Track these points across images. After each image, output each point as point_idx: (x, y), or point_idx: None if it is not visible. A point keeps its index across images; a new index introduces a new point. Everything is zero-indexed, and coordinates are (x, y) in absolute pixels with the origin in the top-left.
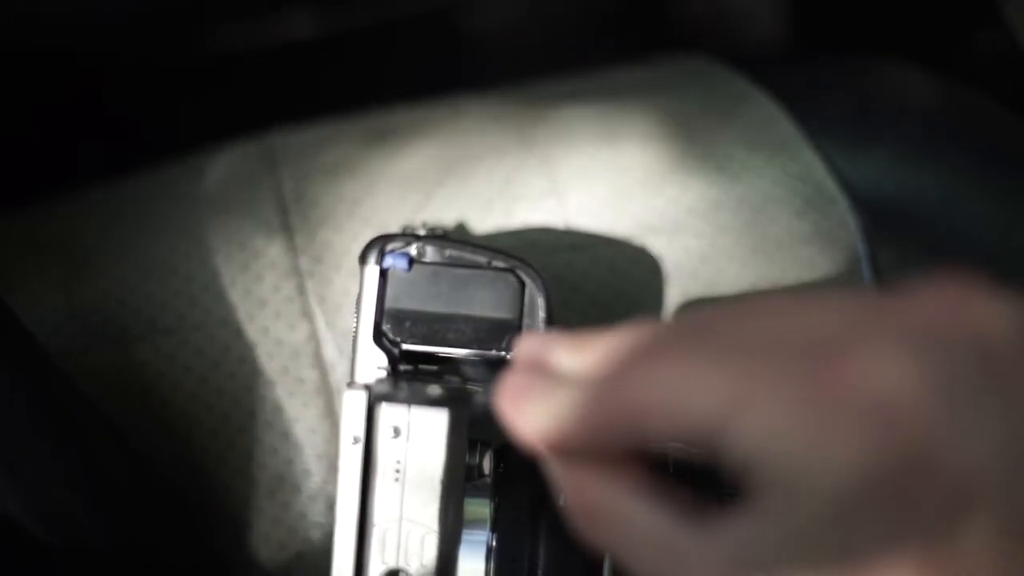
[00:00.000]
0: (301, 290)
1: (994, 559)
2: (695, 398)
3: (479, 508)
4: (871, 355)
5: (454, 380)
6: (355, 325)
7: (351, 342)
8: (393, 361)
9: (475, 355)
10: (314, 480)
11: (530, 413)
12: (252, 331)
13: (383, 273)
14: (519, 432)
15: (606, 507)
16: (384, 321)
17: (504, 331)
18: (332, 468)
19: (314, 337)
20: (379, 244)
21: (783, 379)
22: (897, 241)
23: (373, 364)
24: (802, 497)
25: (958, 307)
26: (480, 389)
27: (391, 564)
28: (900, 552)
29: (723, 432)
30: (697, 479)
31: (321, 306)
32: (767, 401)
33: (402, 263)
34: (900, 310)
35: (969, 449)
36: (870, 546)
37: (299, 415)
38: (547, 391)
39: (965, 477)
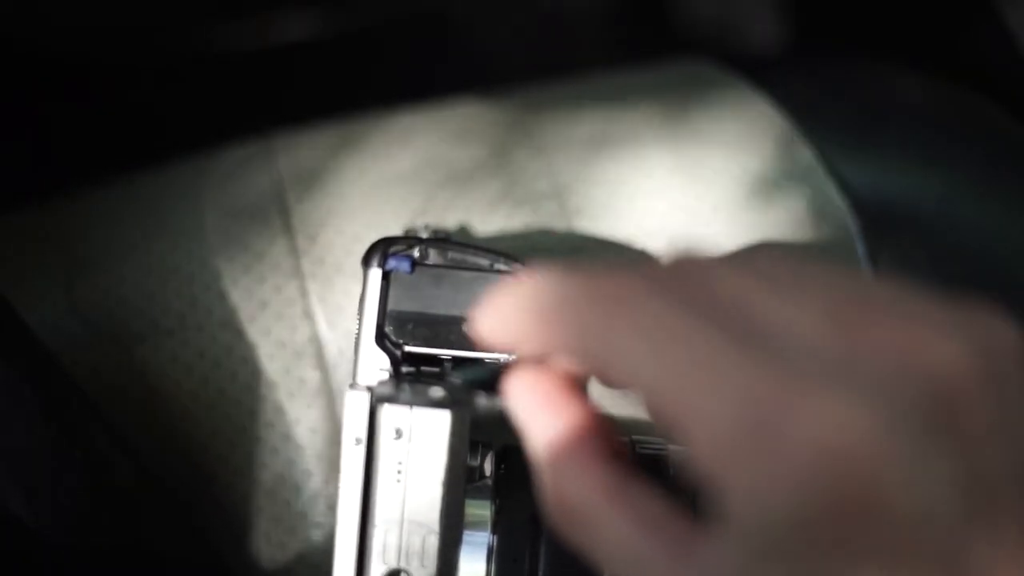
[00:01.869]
0: (303, 291)
1: None
2: (646, 371)
3: (480, 509)
4: (821, 396)
5: (456, 382)
6: (357, 327)
7: (353, 344)
8: (395, 363)
9: (477, 357)
10: (315, 480)
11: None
12: (254, 332)
13: (386, 275)
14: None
15: (582, 509)
16: (386, 323)
17: None
18: (333, 469)
19: (316, 338)
20: (382, 247)
21: (736, 388)
22: (897, 243)
23: (375, 366)
24: (749, 529)
25: (916, 344)
26: (482, 391)
27: (392, 565)
28: None
29: (676, 420)
30: (671, 480)
31: (323, 307)
32: (716, 413)
33: (405, 266)
34: (864, 336)
35: (916, 491)
36: None
37: (300, 416)
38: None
39: (911, 520)
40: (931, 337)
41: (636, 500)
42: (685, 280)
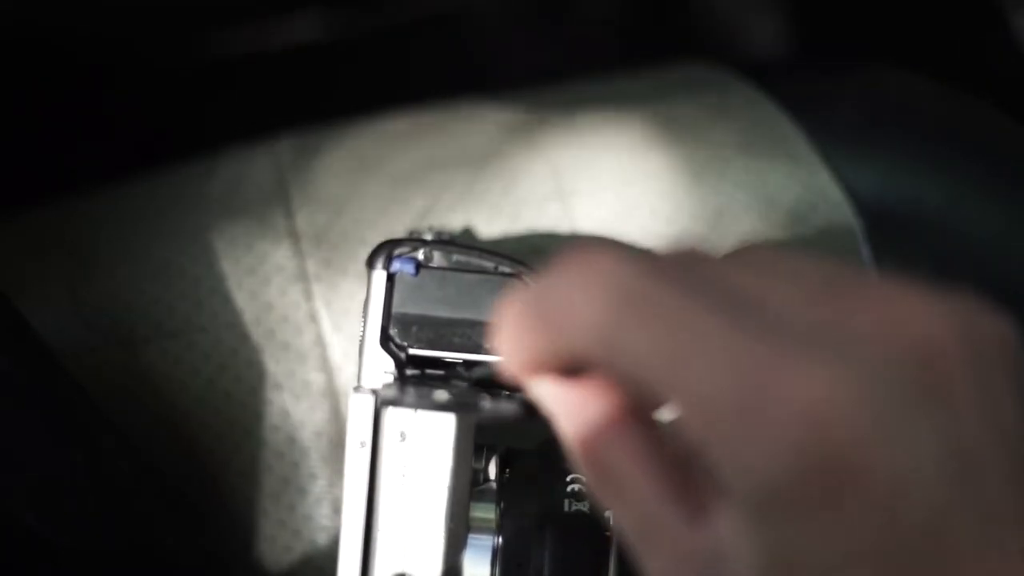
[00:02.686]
0: (308, 294)
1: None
2: (638, 347)
3: (485, 513)
4: (808, 365)
5: (461, 385)
6: (362, 329)
7: (357, 346)
8: (400, 365)
9: (481, 360)
10: (320, 483)
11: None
12: (258, 334)
13: (390, 278)
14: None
15: (613, 469)
16: (391, 325)
17: None
18: (338, 471)
19: (320, 341)
20: (386, 249)
21: (725, 359)
22: (901, 247)
23: (380, 368)
24: (746, 496)
25: (903, 317)
26: (487, 394)
27: (397, 568)
28: (831, 554)
29: (669, 393)
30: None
31: (328, 310)
32: (706, 384)
33: (409, 268)
34: (852, 310)
35: (898, 454)
36: (797, 551)
37: (305, 418)
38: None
39: (894, 481)
40: (918, 313)
41: (661, 466)
42: (674, 263)
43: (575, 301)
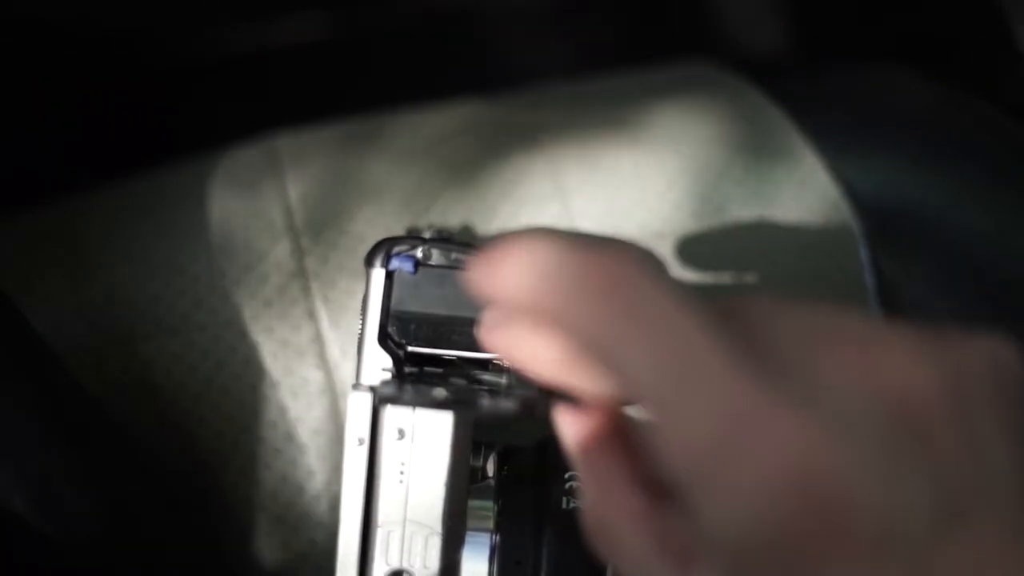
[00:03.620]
0: (306, 291)
1: None
2: (634, 361)
3: (483, 510)
4: (795, 416)
5: (459, 382)
6: (360, 327)
7: (356, 343)
8: (398, 363)
9: (479, 358)
10: (318, 480)
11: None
12: (257, 331)
13: (389, 275)
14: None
15: (611, 529)
16: (389, 323)
17: None
18: (336, 468)
19: (319, 338)
20: (385, 247)
21: (719, 399)
22: (899, 247)
23: (378, 366)
24: (726, 546)
25: (887, 367)
26: (485, 392)
27: (395, 565)
28: None
29: (654, 414)
30: None
31: (326, 307)
32: (696, 421)
33: (408, 266)
34: (842, 358)
35: (880, 506)
36: None
37: (303, 415)
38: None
39: (876, 533)
40: (905, 363)
41: (653, 523)
42: (683, 283)
43: (581, 283)
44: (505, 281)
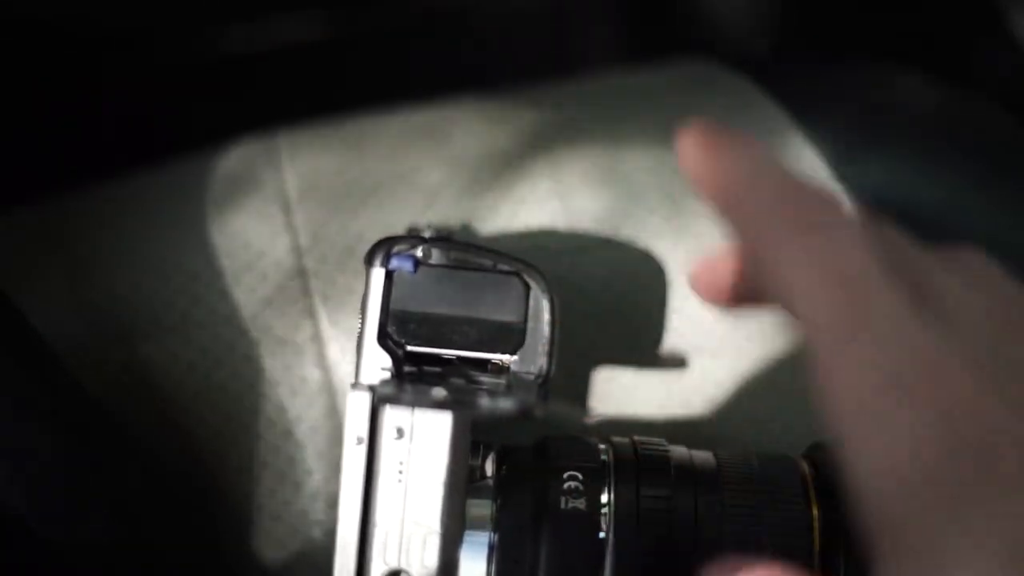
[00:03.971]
0: (305, 289)
1: None
2: (812, 295)
3: (481, 509)
4: (962, 379)
5: (458, 382)
6: (360, 326)
7: (355, 342)
8: (397, 363)
9: (480, 358)
10: (316, 479)
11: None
12: (256, 329)
13: (389, 275)
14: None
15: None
16: (389, 323)
17: (509, 334)
18: (334, 467)
19: (318, 337)
20: (385, 246)
21: (899, 346)
22: None
23: (377, 365)
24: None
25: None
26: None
27: (393, 564)
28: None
29: (820, 352)
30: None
31: (325, 305)
32: (873, 363)
33: (408, 265)
34: (1009, 340)
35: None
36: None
37: (302, 414)
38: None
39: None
40: None
41: None
42: (878, 235)
43: (783, 201)
44: (714, 162)
